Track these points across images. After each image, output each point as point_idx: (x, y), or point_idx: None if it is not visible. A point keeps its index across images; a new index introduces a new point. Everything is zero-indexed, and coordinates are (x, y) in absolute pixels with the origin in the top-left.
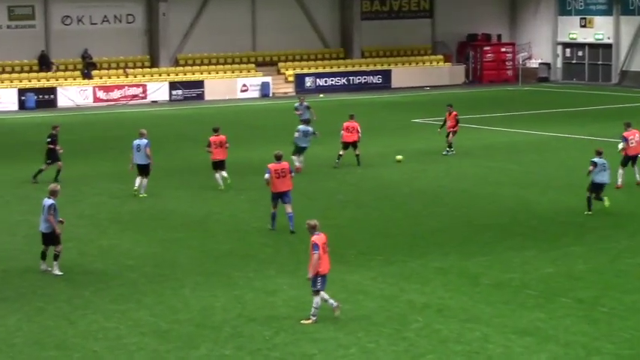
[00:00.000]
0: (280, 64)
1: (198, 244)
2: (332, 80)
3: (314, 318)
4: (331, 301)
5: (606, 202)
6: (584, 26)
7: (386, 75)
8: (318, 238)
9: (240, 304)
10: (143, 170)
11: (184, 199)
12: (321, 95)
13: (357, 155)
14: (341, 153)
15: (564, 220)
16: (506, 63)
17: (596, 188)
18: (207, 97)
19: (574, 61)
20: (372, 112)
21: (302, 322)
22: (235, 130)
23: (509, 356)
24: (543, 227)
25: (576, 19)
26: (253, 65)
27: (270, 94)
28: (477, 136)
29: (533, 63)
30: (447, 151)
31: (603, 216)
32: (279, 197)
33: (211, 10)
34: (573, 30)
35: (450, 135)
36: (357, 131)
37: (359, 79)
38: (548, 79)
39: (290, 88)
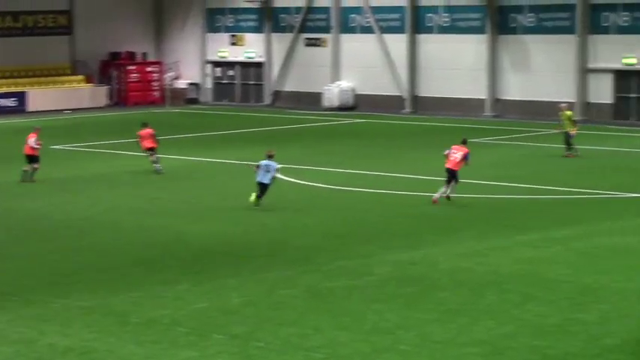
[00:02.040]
0: None
1: None
2: None
3: None
4: None
5: (252, 197)
6: (234, 44)
7: (21, 97)
8: None
9: None
10: None
11: None
12: None
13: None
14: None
15: (219, 251)
16: (153, 83)
17: (259, 187)
18: None
19: (225, 81)
20: (5, 139)
21: None
22: None
23: None
24: (197, 259)
25: (226, 36)
26: None
27: None
28: (122, 163)
29: (182, 83)
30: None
31: (259, 246)
32: None
33: None
34: (223, 48)
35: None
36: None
37: None
38: (197, 101)
39: None
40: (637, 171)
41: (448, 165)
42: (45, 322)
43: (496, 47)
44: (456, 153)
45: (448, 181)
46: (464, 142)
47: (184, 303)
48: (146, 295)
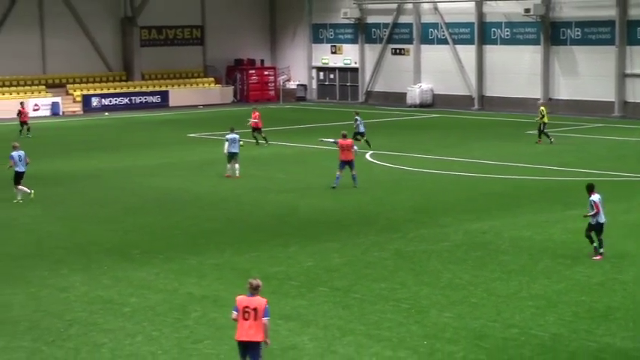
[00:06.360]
0: (69, 86)
1: None
2: (116, 100)
3: None
4: None
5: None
6: (334, 53)
7: (164, 95)
8: (241, 300)
9: (36, 301)
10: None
11: None
12: (106, 114)
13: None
14: None
15: (322, 220)
16: (269, 84)
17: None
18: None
19: (327, 83)
20: (152, 129)
21: None
22: (31, 145)
23: (276, 339)
24: (304, 226)
25: (327, 46)
26: (44, 87)
27: (61, 113)
28: (245, 148)
29: (292, 84)
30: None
31: (355, 217)
32: (345, 164)
33: (2, 37)
34: (325, 56)
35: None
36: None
37: (140, 98)
38: (305, 99)
39: (78, 107)
40: None
41: None
42: (184, 275)
43: (549, 56)
44: None
45: None
46: None
47: (295, 262)
48: (264, 255)
